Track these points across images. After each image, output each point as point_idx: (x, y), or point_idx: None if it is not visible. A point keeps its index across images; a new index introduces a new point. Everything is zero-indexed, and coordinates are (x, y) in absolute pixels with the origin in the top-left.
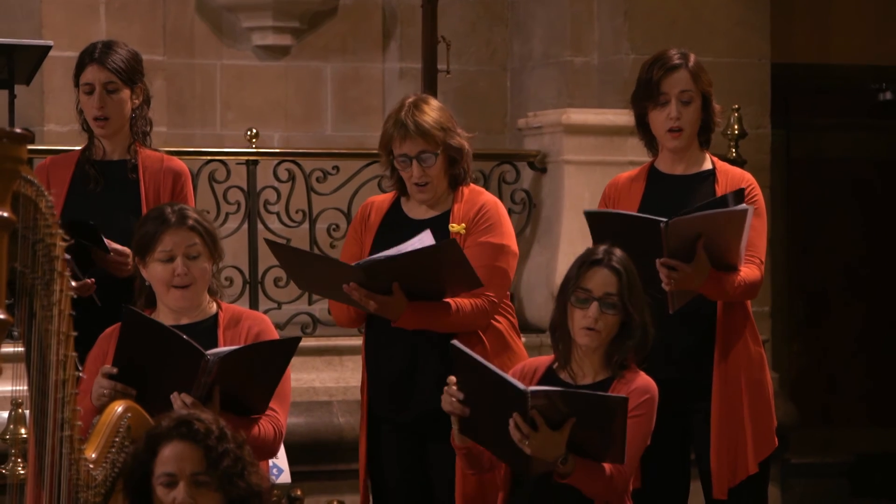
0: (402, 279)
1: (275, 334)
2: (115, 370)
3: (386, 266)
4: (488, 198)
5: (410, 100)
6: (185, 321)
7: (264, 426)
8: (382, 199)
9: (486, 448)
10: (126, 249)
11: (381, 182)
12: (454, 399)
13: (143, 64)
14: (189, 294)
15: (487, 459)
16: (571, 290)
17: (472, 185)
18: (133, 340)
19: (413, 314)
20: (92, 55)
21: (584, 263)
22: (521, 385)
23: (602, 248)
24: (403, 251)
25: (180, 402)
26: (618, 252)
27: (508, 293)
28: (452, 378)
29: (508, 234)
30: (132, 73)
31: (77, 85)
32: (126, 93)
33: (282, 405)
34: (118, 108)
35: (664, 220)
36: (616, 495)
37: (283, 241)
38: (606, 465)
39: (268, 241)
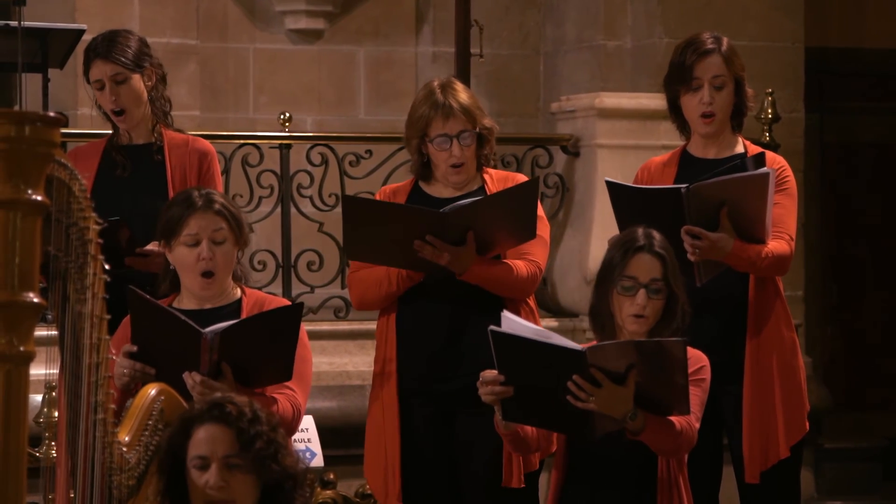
0: (476, 229)
1: (298, 322)
2: (134, 348)
3: (471, 212)
4: (519, 175)
5: (438, 82)
6: (208, 306)
7: (283, 404)
8: (399, 186)
9: (538, 426)
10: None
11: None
12: (493, 387)
13: (148, 45)
14: (213, 282)
15: (534, 440)
16: (617, 278)
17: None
18: (141, 321)
19: (480, 266)
20: (95, 51)
21: (628, 250)
22: (576, 346)
23: (641, 232)
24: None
25: (190, 381)
26: (656, 235)
27: None
28: (486, 371)
29: (540, 207)
30: (138, 59)
31: (89, 82)
32: (136, 78)
33: (300, 386)
34: (132, 96)
35: (685, 185)
36: (686, 450)
37: (318, 224)
38: (675, 419)
39: (345, 196)
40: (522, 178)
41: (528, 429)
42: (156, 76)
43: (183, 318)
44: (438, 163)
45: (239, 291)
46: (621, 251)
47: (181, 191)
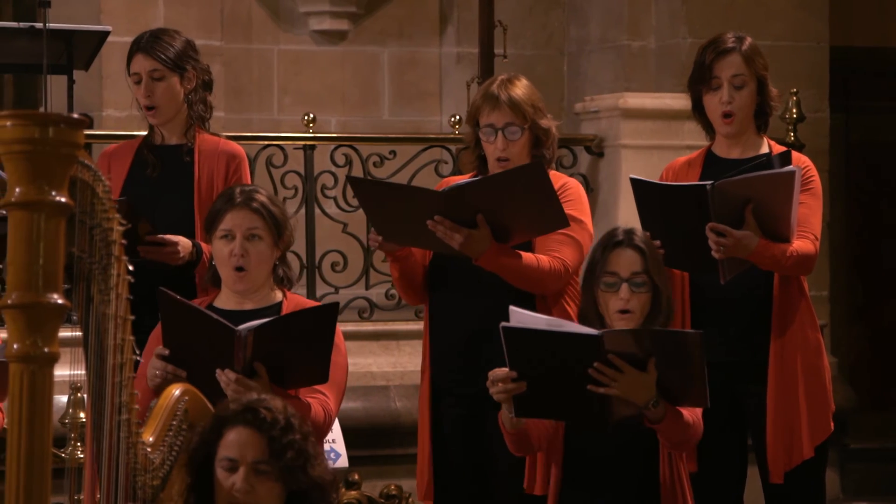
0: (486, 211)
1: (334, 322)
2: (167, 351)
3: (470, 193)
4: (571, 179)
5: (504, 76)
6: (248, 306)
7: (315, 408)
8: (461, 179)
9: (552, 418)
10: (173, 238)
11: (438, 167)
12: (506, 385)
13: (195, 49)
14: (245, 276)
15: (536, 439)
16: (599, 275)
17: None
18: (173, 322)
19: (495, 252)
20: (138, 45)
21: (607, 247)
22: (592, 331)
23: (621, 229)
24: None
25: (224, 378)
26: (637, 230)
27: (579, 279)
28: (496, 370)
29: (587, 214)
30: (179, 60)
31: (129, 75)
32: (174, 80)
33: (333, 392)
34: (166, 95)
35: (710, 182)
36: (694, 444)
37: (342, 224)
38: (685, 413)
39: (350, 178)
40: (574, 182)
41: (532, 429)
42: (197, 80)
43: (216, 316)
44: (488, 156)
45: (280, 294)
46: (601, 248)
47: (230, 186)
